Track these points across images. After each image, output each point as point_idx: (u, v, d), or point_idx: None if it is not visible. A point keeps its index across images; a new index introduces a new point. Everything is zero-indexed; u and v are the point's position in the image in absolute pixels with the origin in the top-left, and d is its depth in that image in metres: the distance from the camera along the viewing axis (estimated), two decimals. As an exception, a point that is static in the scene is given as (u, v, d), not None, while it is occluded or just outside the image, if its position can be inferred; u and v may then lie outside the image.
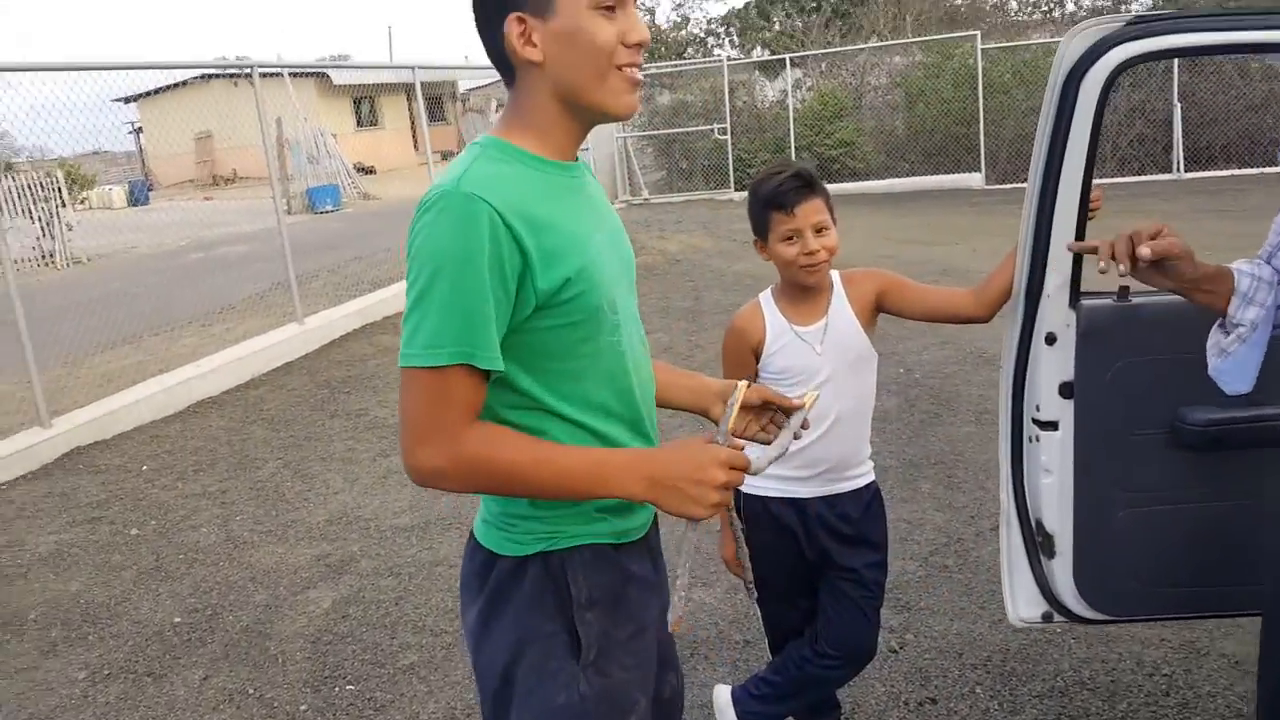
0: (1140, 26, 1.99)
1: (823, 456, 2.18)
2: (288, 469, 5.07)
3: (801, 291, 2.17)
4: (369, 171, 24.45)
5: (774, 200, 2.08)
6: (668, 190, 16.81)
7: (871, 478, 2.28)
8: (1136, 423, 2.18)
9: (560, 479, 1.24)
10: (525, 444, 1.26)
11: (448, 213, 1.19)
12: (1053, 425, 2.17)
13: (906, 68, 16.28)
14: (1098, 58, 1.99)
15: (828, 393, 2.12)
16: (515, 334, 1.25)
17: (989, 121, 14.51)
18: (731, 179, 15.63)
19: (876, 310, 2.22)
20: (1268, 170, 13.37)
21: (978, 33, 15.33)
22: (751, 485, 2.21)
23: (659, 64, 18.92)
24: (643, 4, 22.18)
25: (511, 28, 1.25)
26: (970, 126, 14.66)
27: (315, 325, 7.90)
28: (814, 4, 22.92)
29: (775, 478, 2.19)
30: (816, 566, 2.25)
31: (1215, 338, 1.70)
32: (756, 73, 18.22)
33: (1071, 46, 2.01)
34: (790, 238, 2.09)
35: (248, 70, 7.93)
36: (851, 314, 2.18)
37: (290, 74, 18.76)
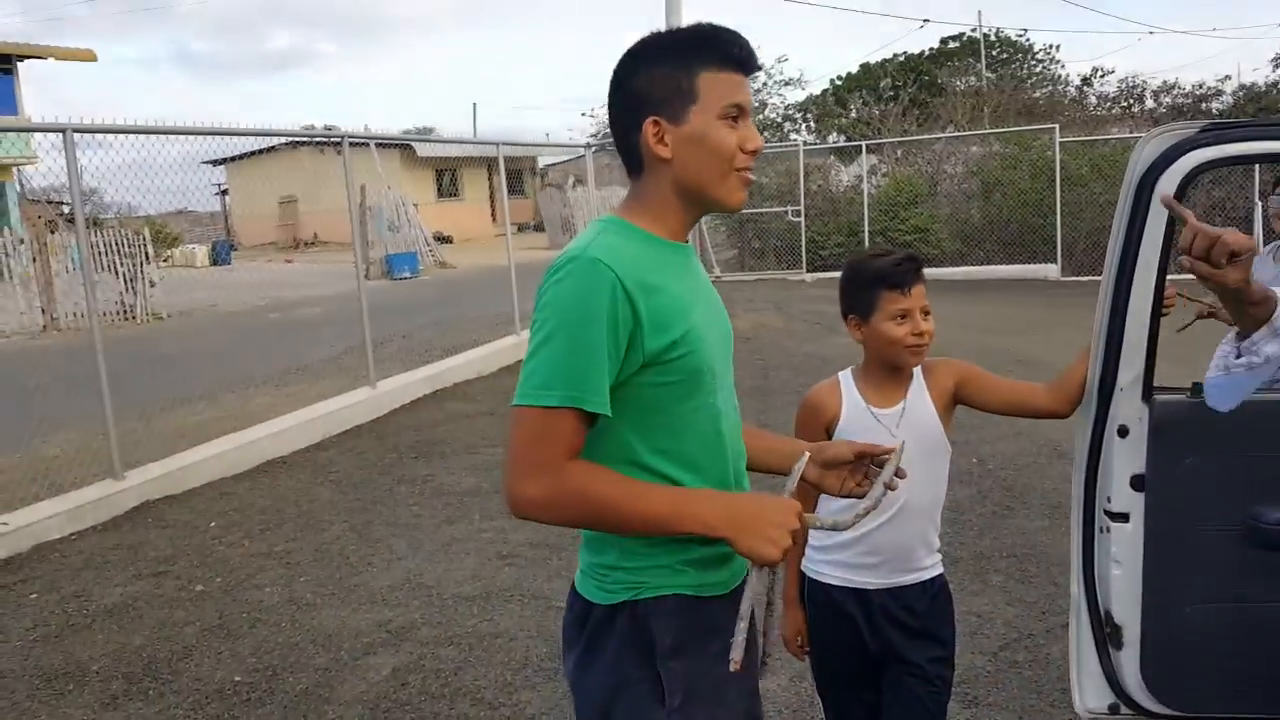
0: (1214, 133, 2.04)
1: (887, 544, 2.14)
2: (353, 532, 5.12)
3: (885, 374, 2.17)
4: (447, 240, 25.16)
5: (888, 278, 2.11)
6: (739, 269, 17.00)
7: (939, 570, 2.23)
8: (1207, 518, 2.17)
9: (647, 512, 1.36)
10: (618, 479, 1.38)
11: (575, 275, 1.35)
12: (1124, 517, 2.16)
13: (983, 157, 16.36)
14: (1172, 162, 2.04)
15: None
16: (623, 387, 1.39)
17: (1066, 213, 14.44)
18: (804, 260, 15.75)
19: (955, 401, 2.21)
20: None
21: (1056, 126, 15.37)
22: (815, 570, 2.20)
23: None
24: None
25: (648, 129, 1.43)
26: (1047, 217, 14.59)
27: (387, 389, 8.03)
28: (891, 93, 23.22)
29: (839, 564, 2.17)
30: (880, 659, 2.19)
31: (1225, 351, 1.69)
32: (832, 157, 18.48)
33: (1147, 150, 2.07)
34: (899, 317, 2.11)
35: (338, 139, 8.32)
36: (930, 402, 2.17)
37: (377, 145, 19.59)
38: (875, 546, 2.15)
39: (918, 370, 2.21)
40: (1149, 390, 2.18)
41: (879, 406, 2.17)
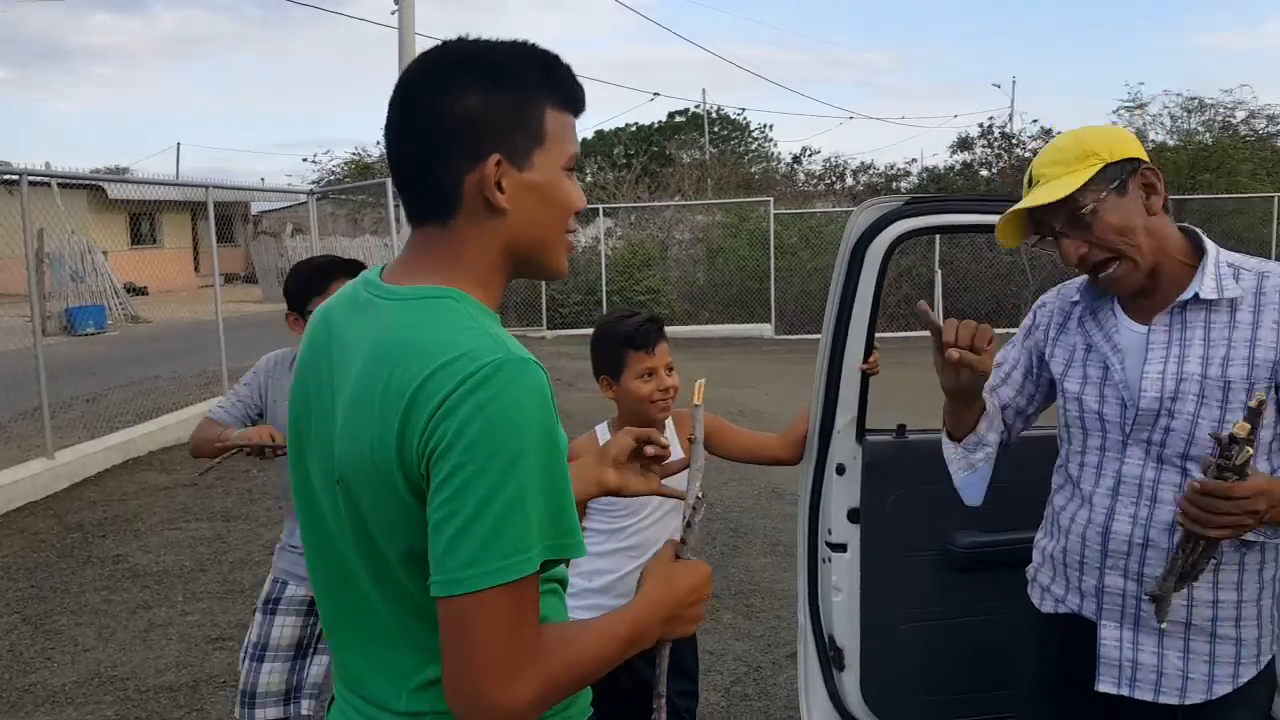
0: (916, 205, 2.37)
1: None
2: (27, 624, 4.46)
3: (640, 426, 2.32)
4: (141, 292, 22.70)
5: (633, 340, 2.26)
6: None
7: None
8: (912, 545, 2.46)
9: (618, 647, 1.12)
10: (581, 628, 1.13)
11: (514, 386, 1.00)
12: (843, 547, 2.41)
13: (708, 226, 17.57)
14: (881, 230, 2.35)
15: (656, 525, 2.28)
16: None
17: (779, 278, 15.78)
18: (544, 317, 16.04)
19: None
20: (1013, 330, 15.17)
21: (770, 199, 16.85)
22: (572, 608, 2.28)
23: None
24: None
25: (490, 167, 1.09)
26: (763, 281, 15.87)
27: (67, 460, 7.08)
28: (624, 160, 24.36)
29: (598, 608, 2.22)
30: (632, 695, 2.25)
31: (959, 454, 1.92)
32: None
33: (860, 219, 2.37)
34: (645, 375, 2.26)
35: (13, 176, 7.31)
36: (680, 451, 2.35)
37: (60, 184, 17.52)
38: (630, 590, 2.24)
39: (669, 421, 2.37)
40: (862, 432, 2.45)
41: None
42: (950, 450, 1.93)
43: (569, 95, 1.16)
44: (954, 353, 1.64)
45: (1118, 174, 1.64)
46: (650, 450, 1.59)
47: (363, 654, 1.15)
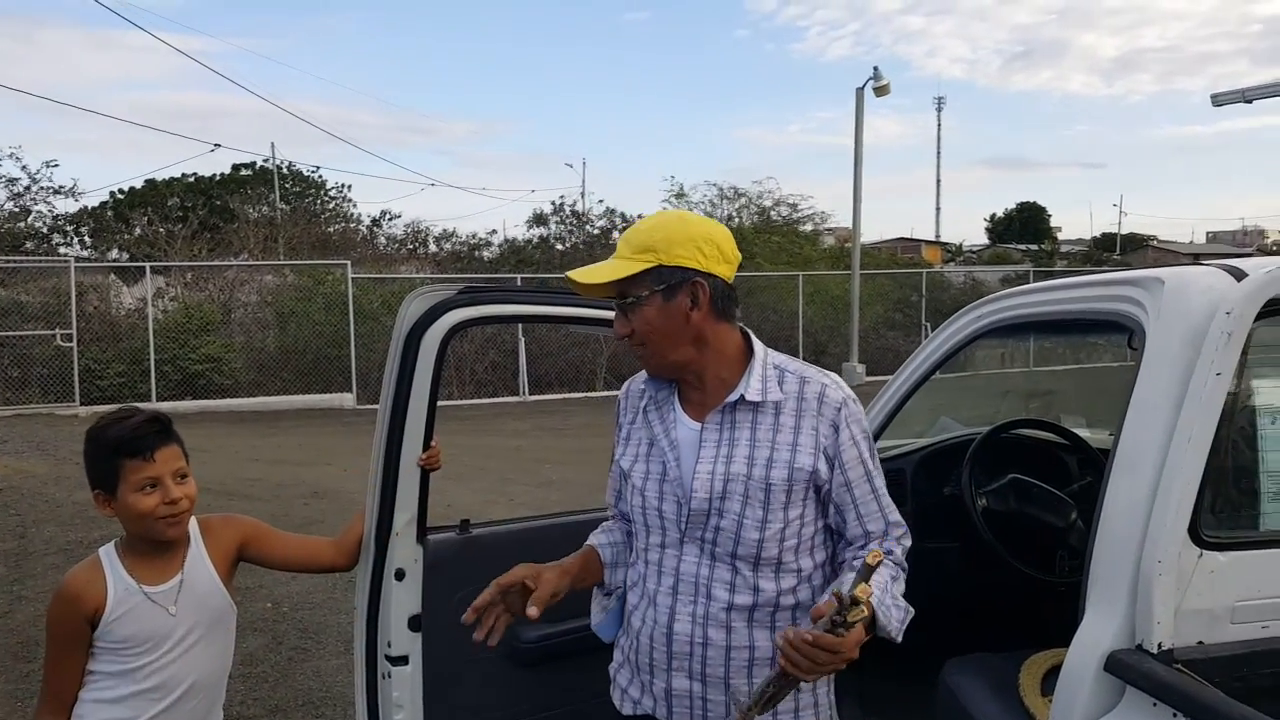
0: (470, 295, 2.31)
1: None
2: None
3: (155, 546, 1.96)
4: None
5: (127, 446, 1.88)
6: (-9, 402, 14.28)
7: None
8: (480, 647, 2.35)
9: None
10: None
11: None
12: (404, 660, 2.24)
13: (279, 287, 16.46)
14: (436, 318, 2.25)
15: (183, 658, 1.96)
16: None
17: (360, 344, 15.21)
18: (77, 391, 13.89)
19: (238, 561, 2.11)
20: (590, 394, 16.15)
21: (349, 262, 16.24)
22: None
23: (-13, 257, 16.46)
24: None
25: None
26: (342, 348, 15.19)
27: None
28: (180, 214, 22.22)
29: None
30: None
31: (595, 604, 1.93)
32: (112, 276, 16.83)
33: (412, 308, 2.25)
34: (147, 486, 1.90)
35: None
36: (210, 567, 2.03)
37: None
38: None
39: (195, 531, 2.05)
40: (423, 531, 2.31)
41: (152, 584, 1.97)
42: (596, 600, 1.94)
43: None
44: (532, 611, 1.66)
45: (669, 278, 1.68)
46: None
47: None
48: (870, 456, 1.75)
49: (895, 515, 1.77)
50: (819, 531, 1.76)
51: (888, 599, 1.64)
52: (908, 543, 1.79)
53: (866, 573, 1.49)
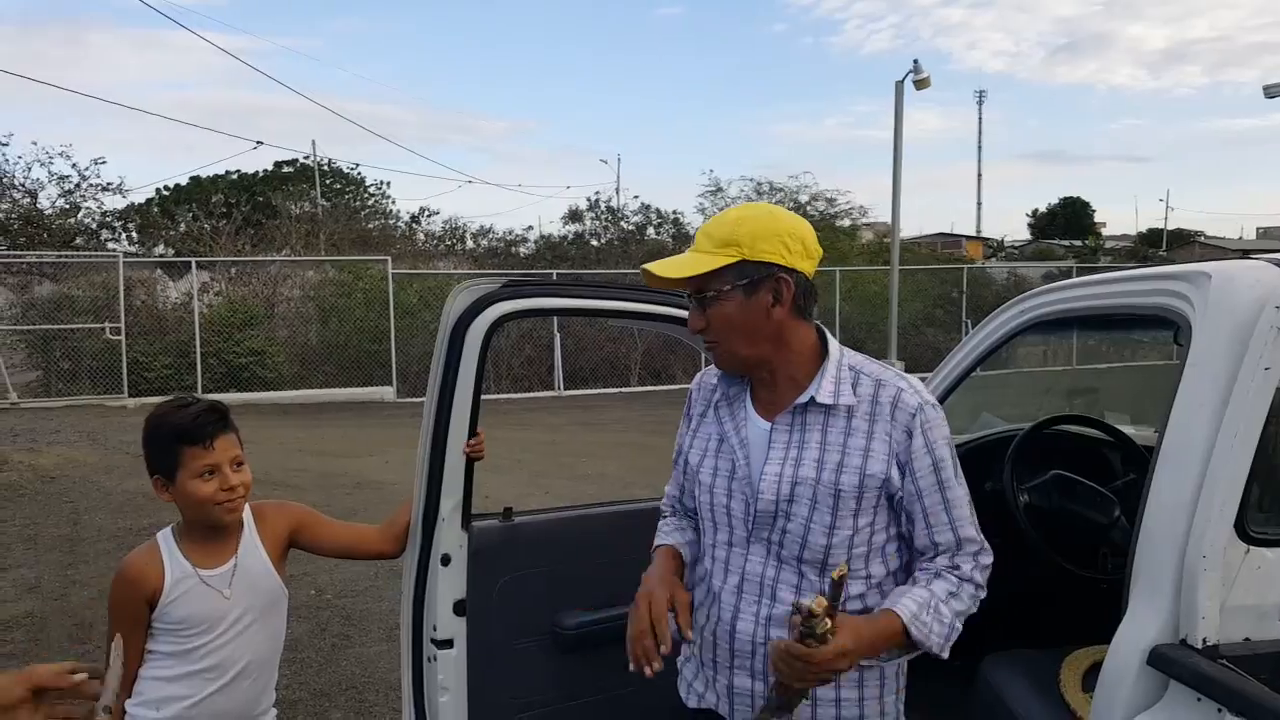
0: (514, 289, 2.35)
1: (225, 709, 2.02)
2: None
3: (208, 532, 2.03)
4: None
5: (188, 434, 1.95)
6: (45, 394, 14.64)
7: (274, 715, 2.16)
8: (522, 633, 2.39)
9: None
10: None
11: None
12: (449, 644, 2.28)
13: (320, 283, 16.69)
14: (481, 310, 2.29)
15: (237, 639, 2.01)
16: None
17: (399, 339, 15.37)
18: (125, 383, 14.20)
19: (289, 547, 2.17)
20: (625, 390, 16.23)
21: (388, 258, 16.43)
22: None
23: (40, 253, 16.88)
24: (22, 185, 19.77)
25: None
26: (382, 343, 15.37)
27: None
28: (224, 210, 22.59)
29: None
30: None
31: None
32: (159, 271, 17.17)
33: (458, 301, 2.29)
34: (206, 473, 1.96)
35: None
36: (264, 552, 2.09)
37: None
38: (214, 712, 2.02)
39: (248, 517, 2.11)
40: (468, 518, 2.35)
41: (207, 568, 2.03)
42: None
43: None
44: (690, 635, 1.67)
45: (752, 273, 1.64)
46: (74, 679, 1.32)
47: None
48: (946, 466, 1.67)
49: (969, 530, 1.69)
50: (892, 539, 1.71)
51: (926, 614, 1.59)
52: (985, 560, 1.70)
53: (833, 586, 1.45)
